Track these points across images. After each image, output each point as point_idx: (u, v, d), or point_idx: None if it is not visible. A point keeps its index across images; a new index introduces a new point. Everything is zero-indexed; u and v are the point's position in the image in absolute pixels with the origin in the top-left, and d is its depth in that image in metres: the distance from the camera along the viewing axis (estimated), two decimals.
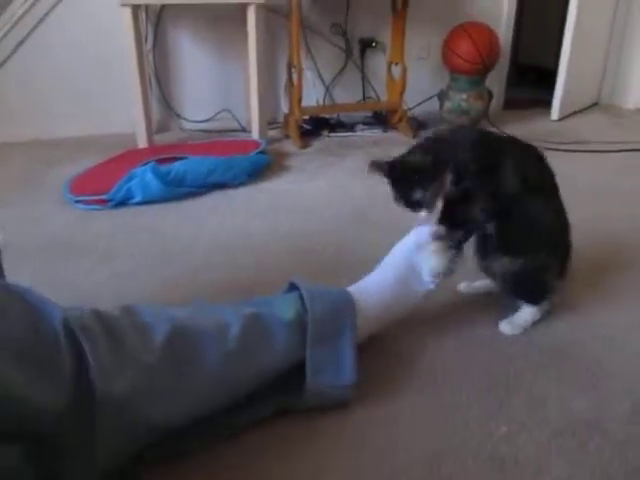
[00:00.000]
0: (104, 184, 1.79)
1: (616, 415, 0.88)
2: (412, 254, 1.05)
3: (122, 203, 1.73)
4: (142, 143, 2.29)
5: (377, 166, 1.02)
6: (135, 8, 2.12)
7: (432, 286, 1.04)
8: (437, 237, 1.03)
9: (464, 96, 2.58)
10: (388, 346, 1.05)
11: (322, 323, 0.90)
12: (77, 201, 1.75)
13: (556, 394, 0.93)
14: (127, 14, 2.09)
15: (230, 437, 0.84)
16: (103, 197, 1.74)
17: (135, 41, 2.14)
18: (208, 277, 1.31)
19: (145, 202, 1.73)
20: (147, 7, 2.42)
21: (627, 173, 2.10)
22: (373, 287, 1.02)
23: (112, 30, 2.27)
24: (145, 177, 1.73)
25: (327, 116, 2.68)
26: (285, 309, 0.91)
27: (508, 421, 0.87)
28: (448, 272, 1.03)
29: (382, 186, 1.84)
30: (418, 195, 0.97)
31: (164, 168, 1.76)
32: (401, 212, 1.64)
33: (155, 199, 1.73)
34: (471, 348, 1.05)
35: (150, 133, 2.30)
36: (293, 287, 0.98)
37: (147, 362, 0.73)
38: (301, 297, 0.93)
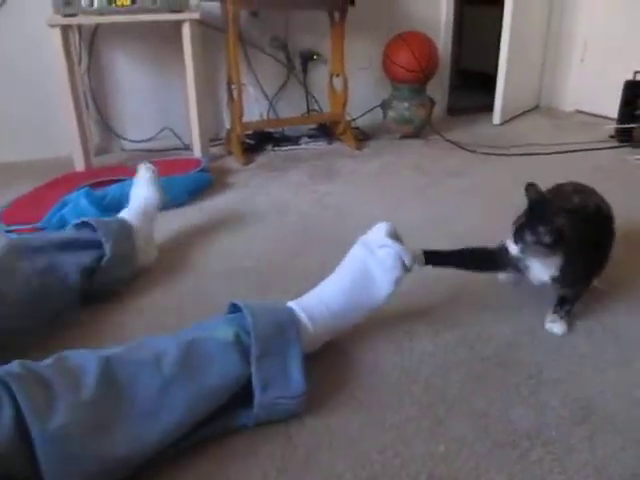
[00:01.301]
0: (37, 212, 1.71)
1: (557, 423, 0.88)
2: (367, 258, 1.05)
3: (55, 230, 1.66)
4: (80, 166, 2.21)
5: (534, 190, 1.07)
6: (65, 28, 2.06)
7: (392, 288, 1.03)
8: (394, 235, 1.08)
9: (406, 105, 2.60)
10: (324, 363, 1.02)
11: (266, 339, 0.90)
12: (8, 231, 1.68)
13: (498, 405, 0.92)
14: (57, 35, 2.02)
15: (178, 459, 0.82)
16: (36, 225, 1.67)
17: (67, 62, 2.07)
18: (145, 301, 1.27)
19: None
20: (80, 27, 2.36)
21: (566, 173, 2.14)
22: (325, 296, 1.02)
23: (44, 51, 2.20)
24: (79, 203, 1.67)
25: (271, 130, 2.66)
26: (225, 330, 0.92)
27: (448, 438, 0.85)
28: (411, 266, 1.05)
29: (325, 199, 1.83)
30: (530, 237, 1.01)
31: (99, 193, 1.70)
32: (345, 225, 1.64)
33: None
34: (412, 362, 1.03)
35: (88, 156, 2.23)
36: (235, 308, 0.99)
37: (81, 399, 0.75)
38: (244, 317, 0.93)
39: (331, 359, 1.03)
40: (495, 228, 1.68)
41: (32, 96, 2.38)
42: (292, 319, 0.96)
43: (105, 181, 1.89)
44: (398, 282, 1.04)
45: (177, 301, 1.27)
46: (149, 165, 1.58)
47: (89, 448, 0.73)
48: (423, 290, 1.26)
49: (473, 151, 2.43)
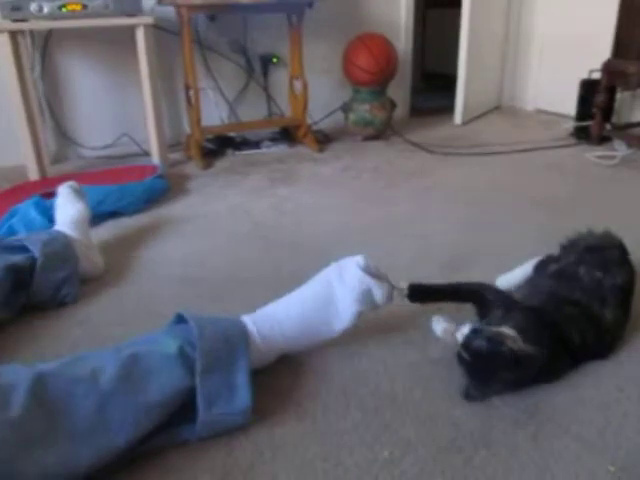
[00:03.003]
0: None
1: (501, 425, 0.87)
2: (335, 286, 1.00)
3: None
4: (33, 175, 2.16)
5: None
6: (14, 33, 2.01)
7: (350, 322, 1.00)
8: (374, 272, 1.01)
9: (367, 107, 2.60)
10: (269, 371, 1.00)
11: (211, 352, 0.88)
12: None
13: (444, 408, 0.91)
14: (4, 40, 1.98)
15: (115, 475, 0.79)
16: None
17: (16, 68, 2.02)
18: (89, 310, 1.23)
19: None
20: (32, 32, 2.31)
21: (522, 170, 2.16)
22: (281, 317, 0.99)
23: None
24: (28, 213, 1.63)
25: (232, 134, 2.63)
26: (169, 343, 0.89)
27: (393, 442, 0.84)
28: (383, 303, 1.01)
29: (284, 204, 1.82)
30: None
31: (49, 202, 1.66)
32: (302, 232, 1.63)
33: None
34: (360, 367, 1.02)
35: (42, 164, 2.17)
36: (182, 319, 0.96)
37: (9, 417, 0.72)
38: (190, 329, 0.91)
39: (277, 367, 1.00)
40: (452, 227, 1.70)
41: None
42: (242, 333, 0.94)
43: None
44: (359, 316, 1.00)
45: (124, 311, 1.23)
46: (68, 183, 1.57)
47: (18, 467, 0.71)
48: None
49: (433, 152, 2.44)
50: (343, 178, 2.16)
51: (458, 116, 2.97)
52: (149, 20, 2.08)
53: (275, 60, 2.74)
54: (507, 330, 0.91)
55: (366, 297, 0.99)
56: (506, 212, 1.76)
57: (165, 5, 2.32)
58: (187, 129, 2.63)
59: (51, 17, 2.01)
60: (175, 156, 2.47)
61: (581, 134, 2.55)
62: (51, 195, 1.74)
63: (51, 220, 1.62)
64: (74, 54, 2.44)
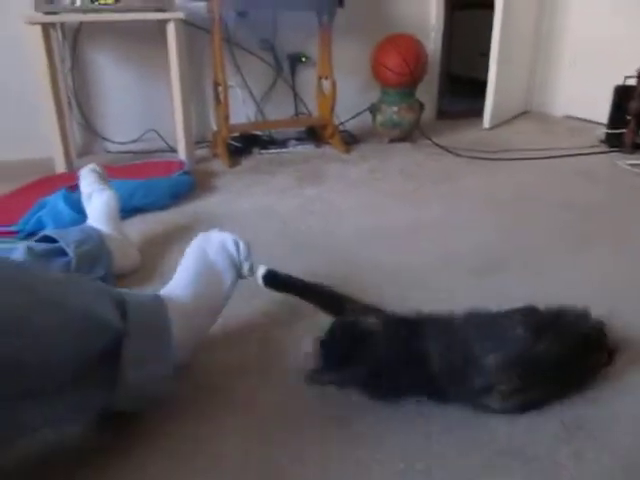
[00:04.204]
0: (13, 214, 1.67)
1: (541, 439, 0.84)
2: (205, 252, 1.05)
3: (33, 234, 1.61)
4: (61, 168, 2.16)
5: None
6: (46, 26, 2.02)
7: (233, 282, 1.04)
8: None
9: (395, 109, 2.57)
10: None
11: (142, 318, 0.86)
12: None
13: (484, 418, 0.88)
14: (37, 33, 1.98)
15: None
16: (11, 228, 1.62)
17: (48, 61, 2.03)
18: None
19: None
20: (63, 26, 2.31)
21: (553, 177, 2.12)
22: (179, 289, 0.99)
23: (24, 48, 2.15)
24: (57, 205, 1.63)
25: (259, 133, 2.62)
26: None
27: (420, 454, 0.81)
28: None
29: (312, 204, 1.80)
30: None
31: (77, 195, 1.65)
32: (330, 231, 1.61)
33: (66, 227, 1.61)
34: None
35: (69, 158, 2.18)
36: None
37: None
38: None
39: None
40: (481, 232, 1.67)
41: (12, 96, 2.33)
42: (161, 303, 0.93)
43: None
44: (234, 283, 1.05)
45: None
46: (91, 166, 1.55)
47: None
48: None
49: (460, 155, 2.41)
50: (370, 179, 2.13)
51: (486, 120, 2.93)
52: (180, 15, 2.07)
53: (304, 59, 2.73)
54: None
55: (231, 252, 1.05)
56: (535, 218, 1.72)
57: (197, 1, 2.31)
58: (213, 126, 2.63)
59: (83, 10, 2.02)
60: (201, 153, 2.46)
61: (614, 141, 2.50)
62: (78, 188, 1.74)
63: (79, 212, 1.61)
64: (103, 48, 2.45)
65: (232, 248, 1.06)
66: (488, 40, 2.85)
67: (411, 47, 2.51)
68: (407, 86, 2.56)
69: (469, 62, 3.99)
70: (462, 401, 0.89)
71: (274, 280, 1.06)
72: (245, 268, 1.06)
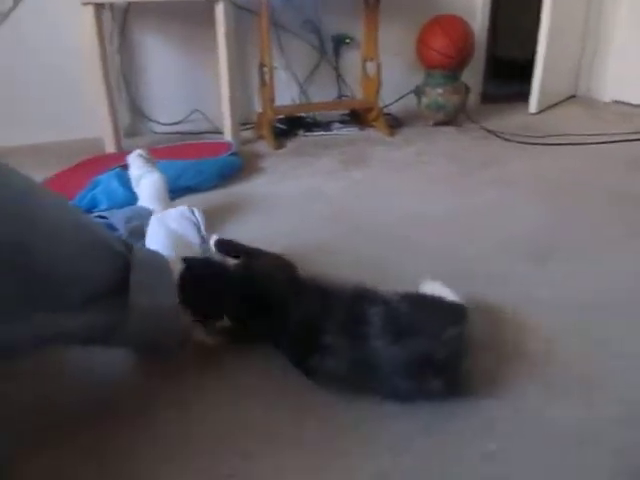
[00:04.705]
0: (68, 192, 1.71)
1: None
2: (167, 226, 1.20)
3: (87, 211, 1.65)
4: (110, 148, 2.20)
5: None
6: (98, 7, 2.04)
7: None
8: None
9: (440, 91, 2.54)
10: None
11: (145, 254, 0.94)
12: None
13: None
14: (89, 13, 2.01)
15: None
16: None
17: (98, 42, 2.06)
18: None
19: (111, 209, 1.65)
20: (112, 6, 2.34)
21: (602, 164, 2.07)
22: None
23: (75, 31, 2.19)
24: (110, 184, 1.66)
25: (302, 115, 2.62)
26: None
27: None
28: None
29: (358, 187, 1.80)
30: None
31: (129, 174, 1.68)
32: (377, 214, 1.61)
33: (121, 206, 1.65)
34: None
35: (118, 138, 2.22)
36: None
37: None
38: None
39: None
40: (531, 217, 1.65)
41: (62, 77, 2.37)
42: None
43: None
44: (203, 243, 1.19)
45: None
46: (137, 151, 1.59)
47: None
48: None
49: (507, 139, 2.37)
50: (416, 163, 2.12)
51: (533, 104, 2.87)
52: None
53: (348, 41, 2.71)
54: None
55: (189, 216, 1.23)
56: (585, 204, 1.68)
57: None
58: (257, 108, 2.64)
59: None
60: (245, 134, 2.48)
61: None
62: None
63: (132, 190, 1.64)
64: (151, 29, 2.47)
65: (189, 214, 1.22)
66: (534, 21, 2.78)
67: (458, 28, 2.47)
68: (453, 68, 2.52)
69: (513, 44, 3.90)
70: (297, 365, 0.91)
71: (223, 246, 1.18)
72: (202, 230, 1.21)
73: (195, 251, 1.15)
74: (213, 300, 0.94)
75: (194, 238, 1.18)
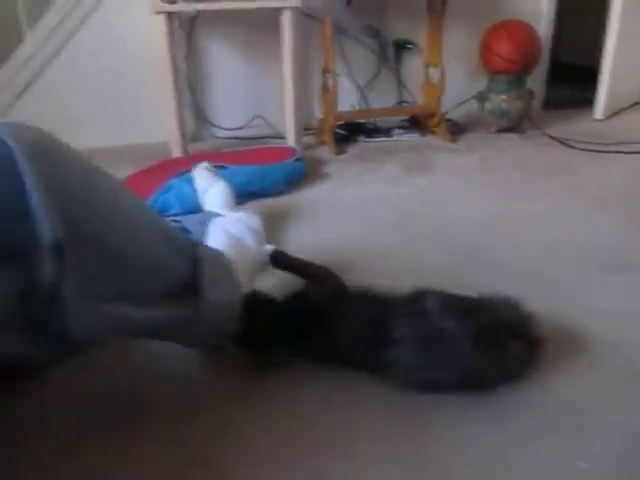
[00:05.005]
0: (140, 195, 1.75)
1: None
2: (227, 232, 1.20)
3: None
4: (177, 153, 2.26)
5: None
6: (170, 15, 2.10)
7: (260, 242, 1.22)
8: None
9: (504, 97, 2.50)
10: None
11: (210, 252, 0.98)
12: None
13: None
14: (162, 21, 2.06)
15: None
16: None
17: (169, 49, 2.11)
18: None
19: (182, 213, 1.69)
20: (180, 14, 2.40)
21: None
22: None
23: (145, 38, 2.26)
24: (182, 189, 1.70)
25: (362, 121, 2.62)
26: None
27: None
28: None
29: (424, 194, 1.78)
30: None
31: None
32: (444, 222, 1.59)
33: (193, 210, 1.69)
34: None
35: (185, 142, 2.27)
36: None
37: None
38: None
39: None
40: (603, 228, 1.60)
41: (130, 84, 2.45)
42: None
43: None
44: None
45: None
46: (202, 164, 1.64)
47: None
48: None
49: (573, 147, 2.31)
50: (480, 171, 2.09)
51: (599, 110, 2.79)
52: (297, 3, 2.10)
53: (410, 46, 2.70)
54: None
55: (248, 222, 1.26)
56: None
57: None
58: (317, 114, 2.65)
59: None
60: (305, 140, 2.49)
61: None
62: None
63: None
64: (217, 36, 2.52)
65: (247, 219, 1.26)
66: (597, 26, 2.71)
67: (524, 33, 2.43)
68: (517, 74, 2.47)
69: (574, 49, 3.82)
70: (370, 370, 0.91)
71: (277, 259, 1.21)
72: (260, 235, 1.24)
73: (252, 255, 1.16)
74: (268, 335, 0.95)
75: (252, 243, 1.20)
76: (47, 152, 0.71)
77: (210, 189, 1.56)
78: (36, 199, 0.65)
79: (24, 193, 0.65)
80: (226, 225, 1.25)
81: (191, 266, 0.88)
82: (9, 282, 0.65)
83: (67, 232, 0.66)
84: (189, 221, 1.41)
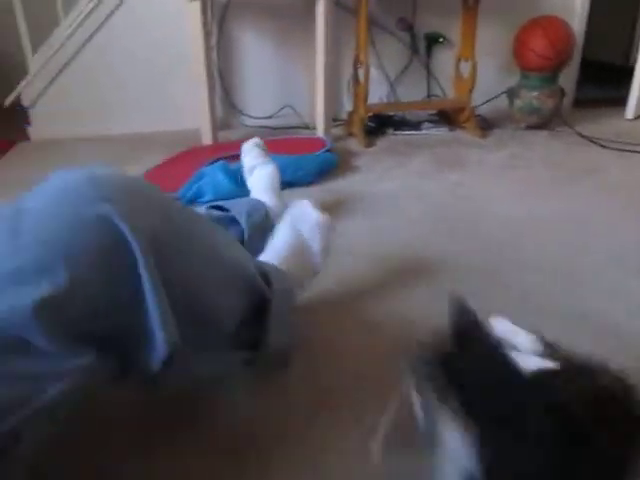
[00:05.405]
0: (173, 182, 1.77)
1: None
2: (296, 228, 1.10)
3: (192, 202, 1.71)
4: (207, 140, 2.27)
5: None
6: (204, 3, 2.10)
7: (324, 254, 1.10)
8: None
9: (535, 94, 2.47)
10: None
11: (281, 285, 0.92)
12: None
13: None
14: (196, 9, 2.07)
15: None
16: (173, 195, 1.73)
17: (203, 37, 2.12)
18: None
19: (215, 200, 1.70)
20: (213, 2, 2.40)
21: None
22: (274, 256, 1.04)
23: (178, 26, 2.27)
24: (216, 176, 1.71)
25: (391, 114, 2.62)
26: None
27: None
28: None
29: (457, 190, 1.77)
30: None
31: (234, 167, 1.73)
32: (480, 219, 1.59)
33: (226, 198, 1.70)
34: None
35: (215, 130, 2.28)
36: None
37: None
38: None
39: None
40: (637, 230, 1.59)
41: (160, 71, 2.46)
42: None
43: (235, 155, 1.93)
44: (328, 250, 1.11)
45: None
46: (254, 140, 1.59)
47: None
48: None
49: (605, 147, 2.29)
50: (511, 167, 2.08)
51: (630, 109, 2.76)
52: None
53: (441, 40, 2.68)
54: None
55: (325, 232, 1.11)
56: None
57: None
58: (346, 105, 2.65)
59: None
60: (334, 131, 2.49)
61: None
62: (235, 159, 1.83)
63: (237, 183, 1.68)
64: (248, 25, 2.52)
65: (326, 230, 1.11)
66: (629, 24, 2.67)
67: (559, 30, 2.40)
68: (550, 71, 2.45)
69: (605, 46, 3.77)
70: None
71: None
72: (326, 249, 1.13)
73: (309, 265, 1.08)
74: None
75: (316, 253, 1.09)
76: (163, 247, 0.66)
77: (259, 168, 1.53)
78: (152, 302, 0.62)
79: (137, 277, 0.62)
80: (300, 223, 1.12)
81: (259, 307, 0.86)
82: (106, 362, 0.63)
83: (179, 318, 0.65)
84: (237, 211, 1.35)
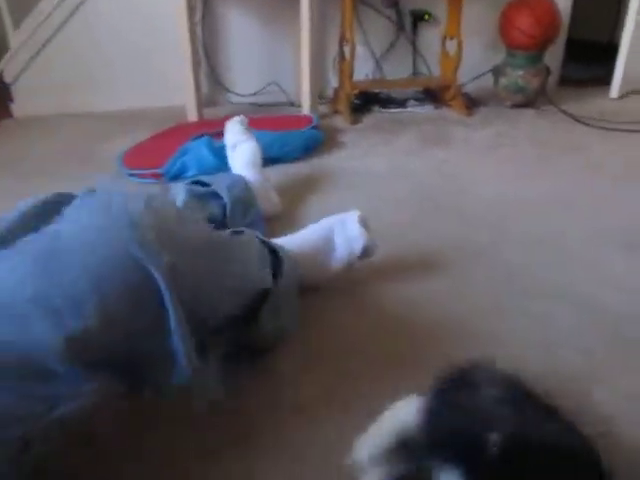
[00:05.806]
0: (158, 158, 1.76)
1: None
2: (332, 232, 1.10)
3: (176, 177, 1.70)
4: (192, 117, 2.25)
5: None
6: None
7: (346, 265, 1.10)
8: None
9: (521, 72, 2.48)
10: None
11: (287, 276, 0.96)
12: (131, 174, 1.74)
13: None
14: None
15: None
16: (156, 171, 1.72)
17: (187, 11, 2.09)
18: None
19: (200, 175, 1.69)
20: None
21: None
22: (293, 246, 1.07)
23: (162, 1, 2.23)
24: (200, 152, 1.70)
25: (377, 91, 2.61)
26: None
27: None
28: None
29: (443, 168, 1.78)
30: None
31: (218, 143, 1.72)
32: (466, 197, 1.60)
33: (209, 172, 1.69)
34: None
35: (200, 106, 2.26)
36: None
37: None
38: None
39: None
40: (626, 208, 1.60)
41: (147, 47, 2.43)
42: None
43: (220, 132, 1.92)
44: (352, 262, 1.10)
45: None
46: (238, 118, 1.60)
47: None
48: None
49: (590, 125, 2.30)
50: (497, 145, 2.09)
51: (615, 89, 2.77)
52: None
53: (427, 17, 2.66)
54: None
55: (363, 249, 1.09)
56: None
57: None
58: (332, 82, 2.64)
59: None
60: (321, 109, 2.48)
61: None
62: (219, 136, 1.82)
63: (221, 159, 1.67)
64: (233, 1, 2.48)
65: (359, 246, 1.09)
66: (615, 1, 2.67)
67: (545, 8, 2.40)
68: (536, 49, 2.45)
69: (589, 24, 3.76)
70: None
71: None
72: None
73: (329, 273, 1.11)
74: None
75: (341, 259, 1.09)
76: (178, 276, 0.69)
77: (240, 145, 1.54)
78: (176, 333, 0.67)
79: (161, 310, 0.66)
80: (338, 228, 1.10)
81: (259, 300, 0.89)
82: (120, 382, 0.67)
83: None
84: (218, 185, 1.35)
